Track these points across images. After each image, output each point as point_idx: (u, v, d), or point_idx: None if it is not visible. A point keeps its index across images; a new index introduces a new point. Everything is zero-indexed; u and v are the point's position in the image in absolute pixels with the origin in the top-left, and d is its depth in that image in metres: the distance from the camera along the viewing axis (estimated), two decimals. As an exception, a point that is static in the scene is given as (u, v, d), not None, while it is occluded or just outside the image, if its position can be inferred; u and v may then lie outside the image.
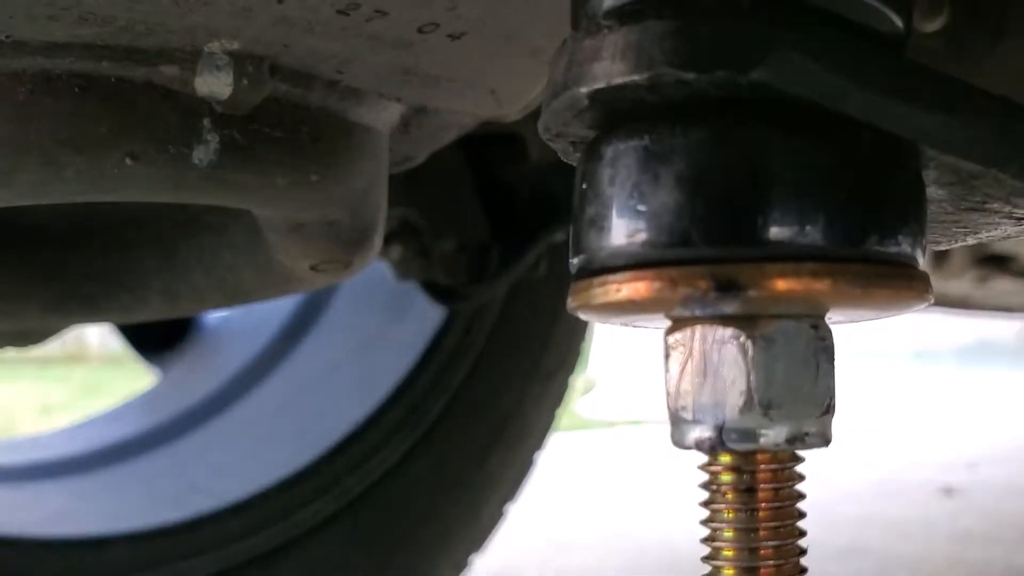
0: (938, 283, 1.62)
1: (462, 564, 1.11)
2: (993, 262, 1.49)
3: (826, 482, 2.44)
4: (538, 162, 0.99)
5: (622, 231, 0.21)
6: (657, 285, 0.20)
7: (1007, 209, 0.24)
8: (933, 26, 0.69)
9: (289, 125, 0.40)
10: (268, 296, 0.56)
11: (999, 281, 1.54)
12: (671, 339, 0.22)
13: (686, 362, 0.22)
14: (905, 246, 0.21)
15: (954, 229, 0.26)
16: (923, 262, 0.22)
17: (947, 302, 1.97)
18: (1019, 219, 0.25)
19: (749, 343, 0.21)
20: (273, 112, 0.39)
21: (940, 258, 1.53)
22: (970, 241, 0.27)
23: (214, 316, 1.21)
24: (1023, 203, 0.24)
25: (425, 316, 1.09)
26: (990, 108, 0.22)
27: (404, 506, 1.03)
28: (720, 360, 0.21)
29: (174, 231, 0.54)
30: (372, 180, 0.47)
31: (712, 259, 0.20)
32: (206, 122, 0.38)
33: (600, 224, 0.21)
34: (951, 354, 5.15)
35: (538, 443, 1.18)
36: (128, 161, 0.37)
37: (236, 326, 1.18)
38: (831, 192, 0.20)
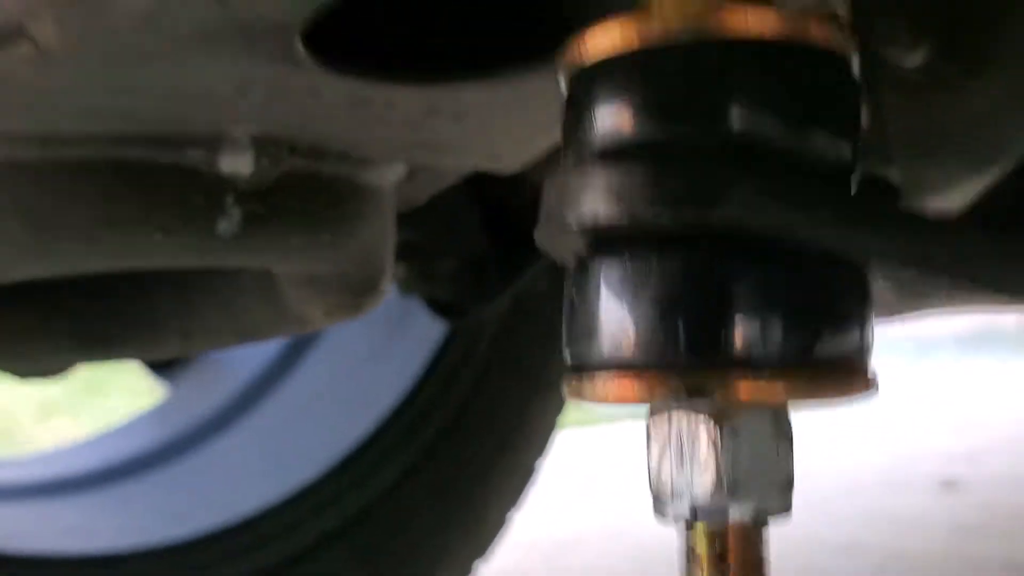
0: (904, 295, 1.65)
1: (467, 571, 1.14)
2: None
3: (828, 476, 2.48)
4: (535, 182, 1.02)
5: (608, 341, 0.24)
6: (638, 387, 0.24)
7: (942, 299, 0.27)
8: (914, 61, 0.73)
9: (304, 194, 0.43)
10: (280, 335, 0.60)
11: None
12: (651, 423, 0.25)
13: (664, 446, 0.25)
14: (852, 348, 0.24)
15: (896, 309, 0.29)
16: (869, 355, 0.26)
17: (939, 302, 2.00)
18: (953, 303, 0.29)
19: (717, 433, 0.24)
20: (290, 184, 0.43)
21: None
22: (907, 314, 0.30)
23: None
24: (958, 295, 0.27)
25: (427, 331, 1.12)
26: (920, 227, 0.25)
27: (409, 518, 1.06)
28: (693, 447, 0.24)
29: (190, 277, 0.57)
30: (380, 233, 0.50)
31: (685, 367, 0.23)
32: (229, 198, 0.41)
33: (588, 332, 0.25)
34: (952, 343, 5.18)
35: (540, 451, 1.22)
36: (158, 236, 0.40)
37: (243, 341, 1.21)
38: (786, 311, 0.23)
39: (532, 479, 1.21)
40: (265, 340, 0.59)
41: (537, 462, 1.21)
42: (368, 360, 1.12)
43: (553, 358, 1.21)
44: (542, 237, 0.27)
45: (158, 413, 1.18)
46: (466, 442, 1.11)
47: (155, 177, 0.39)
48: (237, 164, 0.40)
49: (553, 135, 0.46)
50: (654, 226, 0.23)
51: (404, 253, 0.97)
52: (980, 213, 0.30)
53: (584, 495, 2.24)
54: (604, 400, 0.25)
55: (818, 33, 0.25)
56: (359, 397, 1.09)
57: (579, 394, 0.26)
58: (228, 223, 0.41)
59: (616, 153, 0.24)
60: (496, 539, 1.17)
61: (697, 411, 0.24)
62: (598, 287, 0.24)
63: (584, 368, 0.25)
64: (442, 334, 1.11)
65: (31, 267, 0.40)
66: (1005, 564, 1.59)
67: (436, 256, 0.99)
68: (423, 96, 0.38)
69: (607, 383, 0.24)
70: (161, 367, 1.27)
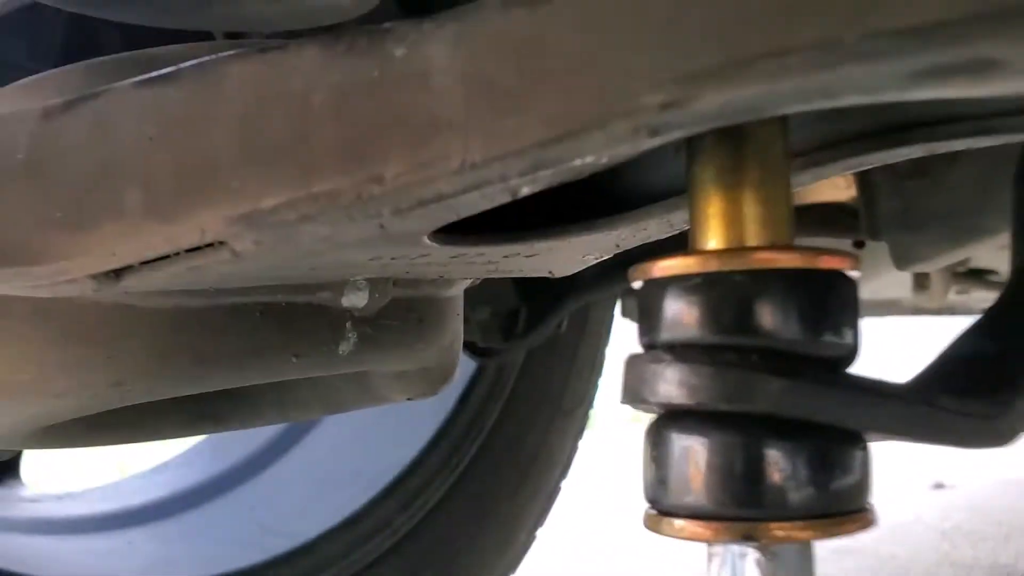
0: (921, 299, 1.72)
1: (500, 584, 1.24)
2: (971, 276, 1.60)
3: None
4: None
5: (678, 492, 0.34)
6: (703, 532, 0.33)
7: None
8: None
9: (402, 315, 0.53)
10: (363, 407, 0.69)
11: (978, 291, 1.65)
12: (711, 550, 0.35)
13: (721, 566, 0.34)
14: (857, 498, 0.34)
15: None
16: (868, 499, 0.35)
17: (933, 311, 2.09)
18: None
19: (763, 559, 0.34)
20: (392, 308, 0.52)
21: (921, 279, 1.64)
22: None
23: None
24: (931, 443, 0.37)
25: (459, 368, 1.21)
26: (909, 399, 0.35)
27: (448, 538, 1.16)
28: (742, 566, 0.34)
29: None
30: (455, 332, 0.60)
31: (736, 518, 0.33)
32: (348, 325, 0.50)
33: (664, 482, 0.34)
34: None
35: (563, 472, 1.32)
36: (293, 360, 0.49)
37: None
38: (811, 472, 0.33)
39: (555, 498, 1.31)
40: (348, 411, 0.69)
41: (560, 483, 1.31)
42: (407, 395, 1.21)
43: (571, 388, 1.31)
44: (625, 399, 0.36)
45: (210, 445, 1.27)
46: (496, 466, 1.21)
47: (293, 314, 0.49)
48: (355, 300, 0.49)
49: (596, 260, 0.55)
50: (712, 409, 0.33)
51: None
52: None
53: (595, 506, 2.33)
54: (677, 536, 0.34)
55: (826, 263, 0.34)
56: (401, 429, 1.18)
57: (658, 530, 0.35)
58: (346, 344, 0.50)
59: (684, 348, 0.34)
60: (524, 554, 1.26)
61: (745, 546, 0.34)
62: (671, 450, 0.34)
63: (660, 508, 0.35)
64: (473, 369, 1.21)
65: (191, 390, 0.50)
66: (990, 567, 1.69)
67: (473, 306, 1.09)
68: (505, 248, 0.47)
69: (679, 525, 0.34)
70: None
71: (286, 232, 0.36)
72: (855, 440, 0.34)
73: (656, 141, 0.30)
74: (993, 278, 1.64)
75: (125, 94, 0.41)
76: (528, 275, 0.58)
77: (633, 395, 0.36)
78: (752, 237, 0.35)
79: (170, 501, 1.15)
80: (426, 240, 0.41)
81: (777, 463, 0.33)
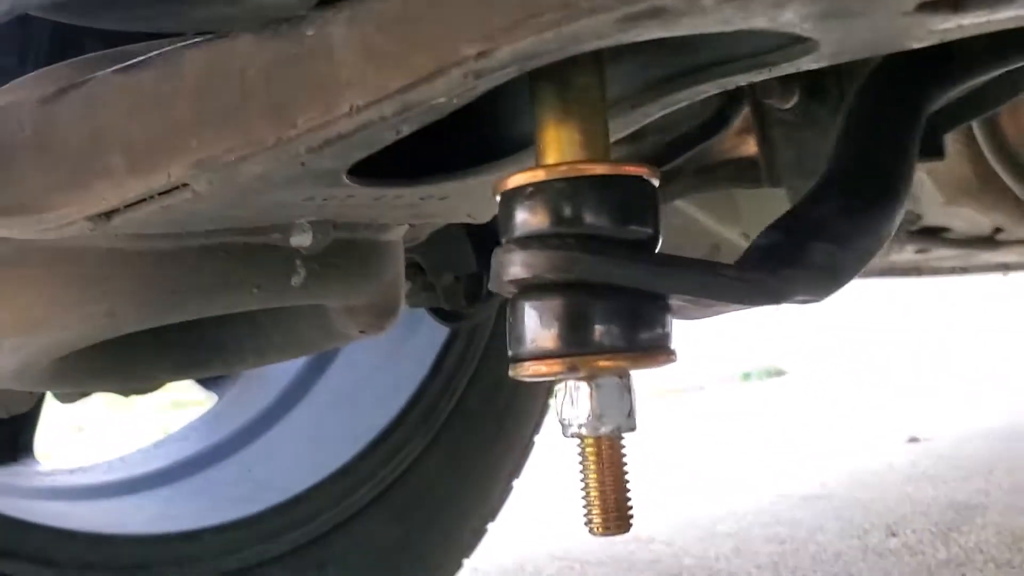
0: (883, 258, 1.83)
1: (480, 531, 1.36)
2: (926, 234, 1.71)
3: (797, 441, 2.69)
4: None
5: (528, 342, 0.46)
6: (545, 368, 0.45)
7: (724, 308, 0.49)
8: (787, 104, 0.95)
9: (345, 254, 0.65)
10: (328, 347, 0.81)
11: (939, 250, 1.76)
12: (556, 388, 0.47)
13: (563, 398, 0.46)
14: (658, 337, 0.46)
15: (699, 312, 0.51)
16: (671, 340, 0.47)
17: (900, 271, 2.20)
18: (743, 307, 0.50)
19: (590, 388, 0.46)
20: (335, 248, 0.64)
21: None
22: (712, 316, 0.52)
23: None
24: (734, 305, 0.48)
25: (433, 333, 1.34)
26: (696, 268, 0.46)
27: (429, 488, 1.28)
28: (577, 396, 0.46)
29: (261, 311, 0.78)
30: (395, 272, 0.72)
31: (567, 354, 0.45)
32: (298, 261, 0.62)
33: (520, 338, 0.46)
34: (928, 307, 5.38)
35: (535, 427, 1.44)
36: (255, 290, 0.62)
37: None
38: (619, 320, 0.44)
39: (530, 452, 1.43)
40: (318, 351, 0.81)
41: (533, 437, 1.43)
42: (386, 361, 1.34)
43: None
44: (493, 286, 0.48)
45: (212, 418, 1.39)
46: (472, 422, 1.33)
47: (251, 253, 0.61)
48: (301, 240, 0.61)
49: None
50: (546, 281, 0.45)
51: (410, 273, 1.19)
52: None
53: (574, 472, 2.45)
54: (529, 376, 0.46)
55: (629, 170, 0.46)
56: (382, 392, 1.30)
57: (516, 374, 0.47)
58: (298, 278, 0.62)
59: (526, 239, 0.46)
60: (504, 503, 1.38)
61: (578, 377, 0.46)
62: (523, 312, 0.46)
63: (517, 359, 0.47)
64: (445, 336, 1.33)
65: (169, 318, 0.62)
66: (947, 504, 1.80)
67: (436, 273, 1.20)
68: (418, 190, 0.59)
69: (529, 367, 0.46)
70: (209, 381, 1.49)
71: (229, 172, 0.48)
72: (657, 299, 0.46)
73: (483, 83, 0.42)
74: (949, 235, 1.72)
75: (107, 80, 0.53)
76: (452, 219, 0.70)
77: (496, 280, 0.47)
78: (574, 156, 0.47)
79: (172, 469, 1.27)
80: (346, 179, 0.53)
81: (594, 314, 0.45)
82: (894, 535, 1.63)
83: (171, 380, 0.87)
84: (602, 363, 0.45)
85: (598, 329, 0.45)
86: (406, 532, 1.24)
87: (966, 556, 1.48)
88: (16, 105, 0.55)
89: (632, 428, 0.47)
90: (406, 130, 0.47)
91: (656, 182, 0.48)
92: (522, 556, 1.69)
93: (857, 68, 0.93)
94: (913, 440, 2.53)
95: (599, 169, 0.46)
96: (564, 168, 0.46)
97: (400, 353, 1.34)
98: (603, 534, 0.47)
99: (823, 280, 0.50)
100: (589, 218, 0.45)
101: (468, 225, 1.25)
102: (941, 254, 1.86)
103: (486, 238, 1.23)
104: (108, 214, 0.52)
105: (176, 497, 1.22)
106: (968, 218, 1.58)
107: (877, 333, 5.12)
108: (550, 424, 1.51)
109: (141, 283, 0.59)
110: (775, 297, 0.48)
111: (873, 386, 3.68)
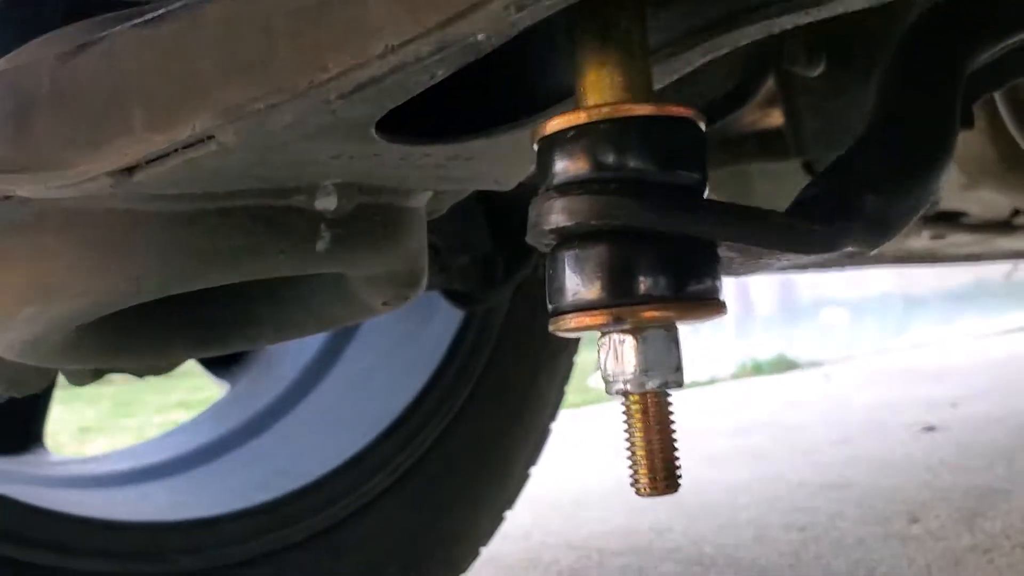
0: (899, 243, 1.81)
1: (498, 519, 1.34)
2: (943, 219, 1.68)
3: (816, 428, 2.67)
4: (530, 185, 1.22)
5: (570, 293, 0.44)
6: (588, 320, 0.43)
7: (774, 260, 0.47)
8: (815, 72, 0.93)
9: (370, 219, 0.63)
10: (350, 322, 0.79)
11: (955, 235, 1.73)
12: (599, 342, 0.45)
13: (607, 352, 0.44)
14: (707, 288, 0.44)
15: (749, 268, 0.49)
16: (720, 292, 0.45)
17: (916, 258, 2.18)
18: (790, 262, 0.48)
19: (635, 341, 0.44)
20: (359, 212, 0.62)
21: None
22: (763, 271, 0.50)
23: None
24: (782, 257, 0.46)
25: (448, 318, 1.32)
26: (747, 215, 0.44)
27: (446, 475, 1.26)
28: (622, 350, 0.44)
29: (279, 284, 0.76)
30: (420, 240, 0.70)
31: (612, 305, 0.43)
32: (322, 226, 0.60)
33: (560, 290, 0.44)
34: (941, 298, 5.36)
35: (552, 414, 1.42)
36: (279, 255, 0.60)
37: (291, 339, 1.41)
38: (666, 268, 0.42)
39: (546, 439, 1.41)
40: (338, 327, 0.79)
41: (550, 424, 1.41)
42: (400, 346, 1.32)
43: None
44: (530, 237, 0.46)
45: (224, 406, 1.37)
46: (487, 408, 1.31)
47: (275, 216, 0.59)
48: (326, 203, 0.59)
49: (533, 165, 0.65)
50: (590, 228, 0.43)
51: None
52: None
53: (591, 461, 2.44)
54: (570, 330, 0.44)
55: (674, 111, 0.44)
56: (397, 377, 1.29)
57: (557, 328, 0.45)
58: (322, 243, 0.61)
59: (566, 186, 0.44)
60: (520, 491, 1.36)
61: (622, 330, 0.44)
62: (563, 263, 0.44)
63: (558, 312, 0.45)
64: (460, 319, 1.31)
65: (192, 285, 0.60)
66: (966, 491, 1.78)
67: (451, 255, 1.19)
68: (446, 149, 0.57)
69: (571, 319, 0.44)
70: (219, 369, 1.47)
71: (257, 121, 0.46)
72: (705, 245, 0.44)
73: (524, 16, 0.40)
74: (966, 220, 1.70)
75: (127, 33, 0.51)
76: (478, 185, 0.68)
77: (535, 231, 0.45)
78: (615, 98, 0.45)
79: (186, 457, 1.25)
80: (375, 134, 0.51)
81: (640, 262, 0.43)
82: (916, 521, 1.61)
83: (188, 357, 0.85)
84: (649, 314, 0.43)
85: (644, 278, 0.43)
86: (423, 520, 1.22)
87: (992, 542, 1.46)
88: (35, 62, 0.53)
89: (680, 384, 0.45)
90: (440, 74, 0.45)
91: (703, 125, 0.46)
92: (538, 545, 1.67)
93: (886, 35, 0.92)
94: (929, 429, 2.51)
95: (644, 110, 0.44)
96: (607, 109, 0.44)
97: (415, 338, 1.32)
98: (650, 494, 0.45)
99: (874, 232, 0.48)
100: (634, 162, 0.43)
101: (484, 207, 1.24)
102: (957, 240, 1.84)
103: (502, 220, 1.21)
104: (130, 170, 0.50)
105: (190, 485, 1.20)
106: (986, 202, 1.56)
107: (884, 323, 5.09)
108: (566, 412, 1.49)
109: (163, 247, 0.57)
110: (826, 247, 0.46)
111: (884, 375, 3.66)
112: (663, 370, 0.44)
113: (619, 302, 0.43)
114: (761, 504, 1.81)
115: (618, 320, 0.43)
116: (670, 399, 0.46)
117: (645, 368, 0.44)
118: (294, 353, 1.39)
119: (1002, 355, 3.90)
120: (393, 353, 1.32)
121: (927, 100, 0.56)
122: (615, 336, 0.44)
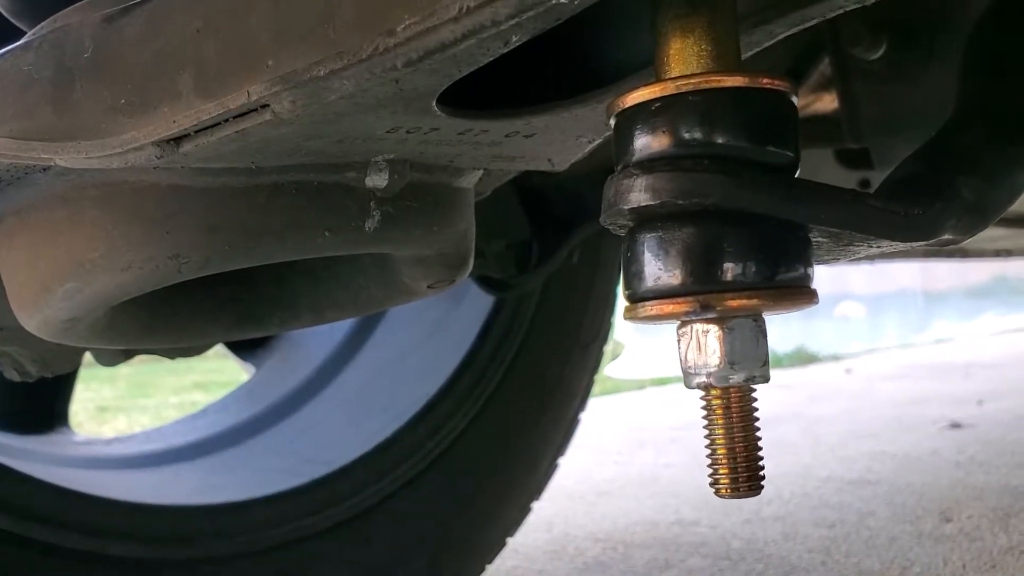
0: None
1: (525, 509, 1.31)
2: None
3: (842, 423, 2.64)
4: (567, 171, 1.19)
5: (650, 279, 0.41)
6: (670, 308, 0.40)
7: (865, 247, 0.44)
8: (875, 55, 0.89)
9: (420, 197, 0.60)
10: (392, 305, 0.76)
11: (990, 228, 1.69)
12: (679, 332, 0.42)
13: (688, 342, 0.41)
14: (799, 275, 0.41)
15: (836, 255, 0.45)
16: (811, 281, 0.42)
17: (945, 253, 2.13)
18: (877, 250, 0.45)
19: (720, 332, 0.40)
20: (410, 190, 0.59)
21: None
22: (846, 260, 0.47)
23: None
24: (876, 244, 0.43)
25: (478, 303, 1.29)
26: (843, 197, 0.41)
27: (475, 463, 1.23)
28: (706, 341, 0.41)
29: (318, 265, 0.74)
30: (468, 221, 0.67)
31: (697, 292, 0.39)
32: (372, 204, 0.57)
33: (639, 275, 0.41)
34: (962, 294, 5.30)
35: (581, 404, 1.39)
36: (327, 234, 0.57)
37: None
38: (757, 253, 0.39)
39: (575, 429, 1.38)
40: (379, 309, 0.76)
41: (579, 414, 1.38)
42: (430, 331, 1.29)
43: (587, 323, 1.38)
44: (604, 219, 0.43)
45: (251, 389, 1.35)
46: (518, 396, 1.28)
47: (324, 193, 0.56)
48: (377, 180, 0.56)
49: (589, 144, 0.62)
50: (674, 209, 0.40)
51: (459, 237, 1.14)
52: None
53: (611, 451, 2.41)
54: (650, 318, 0.41)
55: (767, 83, 0.41)
56: (427, 362, 1.26)
57: (635, 316, 0.42)
58: (371, 222, 0.58)
59: (649, 164, 0.41)
60: (548, 482, 1.34)
61: (707, 319, 0.41)
62: (644, 247, 0.41)
63: (636, 298, 0.42)
64: (491, 305, 1.28)
65: (236, 263, 0.57)
66: (1001, 490, 1.74)
67: (487, 239, 1.15)
68: (506, 125, 0.54)
69: (651, 307, 0.41)
70: (245, 353, 1.45)
71: (315, 90, 0.43)
72: (797, 229, 0.41)
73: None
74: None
75: (173, -4, 0.49)
76: (532, 165, 0.65)
77: (612, 211, 0.42)
78: (703, 68, 0.42)
79: (212, 440, 1.23)
80: (435, 108, 0.48)
81: (729, 246, 0.39)
82: (949, 520, 1.57)
83: (225, 338, 0.82)
84: (737, 302, 0.40)
85: (733, 264, 0.40)
86: (452, 508, 1.19)
87: (1030, 542, 1.42)
88: (78, 24, 0.50)
89: (766, 379, 0.42)
90: (515, 40, 0.42)
91: (796, 100, 0.42)
92: (562, 536, 1.64)
93: (951, 17, 0.88)
94: (955, 426, 2.47)
95: (736, 81, 0.40)
96: (696, 80, 0.40)
97: (445, 323, 1.29)
98: (731, 496, 0.42)
99: (972, 218, 0.45)
100: (724, 137, 0.40)
101: (520, 192, 1.20)
102: (990, 234, 1.80)
103: (537, 205, 1.18)
104: (178, 140, 0.47)
105: (218, 468, 1.18)
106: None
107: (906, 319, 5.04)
108: (594, 402, 1.46)
109: (207, 223, 0.54)
110: (924, 233, 0.43)
111: (907, 370, 3.61)
112: (749, 363, 0.41)
113: (706, 289, 0.40)
114: (788, 499, 1.78)
115: (704, 308, 0.40)
116: (755, 394, 0.43)
117: (731, 361, 0.41)
118: (321, 336, 1.37)
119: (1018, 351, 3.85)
120: (423, 338, 1.30)
121: (1014, 80, 0.53)
122: (698, 326, 0.41)
